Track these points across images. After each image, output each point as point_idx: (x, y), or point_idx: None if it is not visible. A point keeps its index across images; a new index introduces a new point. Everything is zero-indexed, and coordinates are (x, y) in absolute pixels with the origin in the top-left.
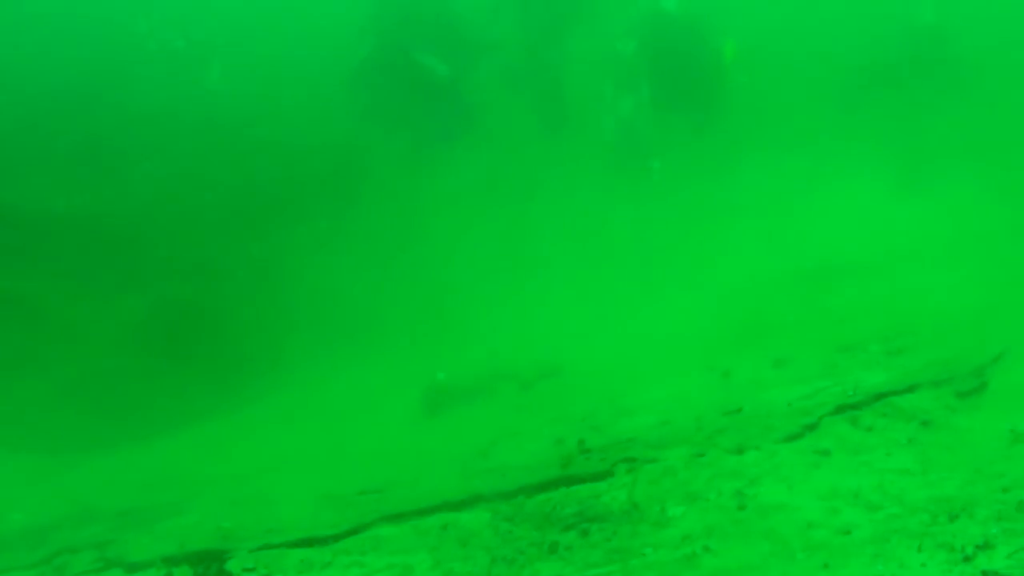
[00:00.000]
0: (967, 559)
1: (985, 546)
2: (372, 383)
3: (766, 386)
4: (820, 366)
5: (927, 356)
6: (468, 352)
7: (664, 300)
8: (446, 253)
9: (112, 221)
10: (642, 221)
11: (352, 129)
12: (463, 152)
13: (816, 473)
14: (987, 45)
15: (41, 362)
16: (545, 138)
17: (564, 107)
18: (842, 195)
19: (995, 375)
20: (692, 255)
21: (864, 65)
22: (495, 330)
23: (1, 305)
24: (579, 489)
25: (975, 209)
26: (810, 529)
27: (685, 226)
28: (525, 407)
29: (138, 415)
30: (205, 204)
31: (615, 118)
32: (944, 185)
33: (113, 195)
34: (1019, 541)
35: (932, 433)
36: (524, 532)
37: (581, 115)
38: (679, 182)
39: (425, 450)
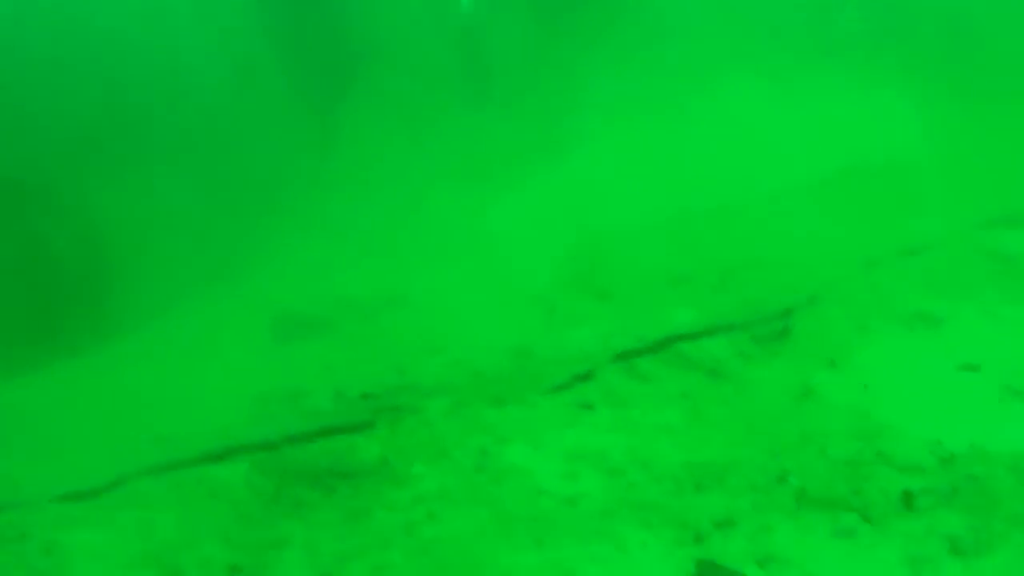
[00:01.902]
0: (698, 539)
1: (725, 523)
2: (216, 320)
3: (581, 323)
4: (642, 301)
5: (737, 298)
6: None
7: (503, 232)
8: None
9: None
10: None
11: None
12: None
13: (570, 431)
14: None
15: None
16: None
17: None
18: (677, 142)
19: (801, 321)
20: (530, 188)
21: None
22: (335, 261)
23: None
24: (338, 441)
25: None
26: (538, 497)
27: (525, 156)
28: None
29: None
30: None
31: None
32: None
33: None
34: (766, 518)
35: (714, 385)
36: (275, 487)
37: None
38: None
39: (222, 395)
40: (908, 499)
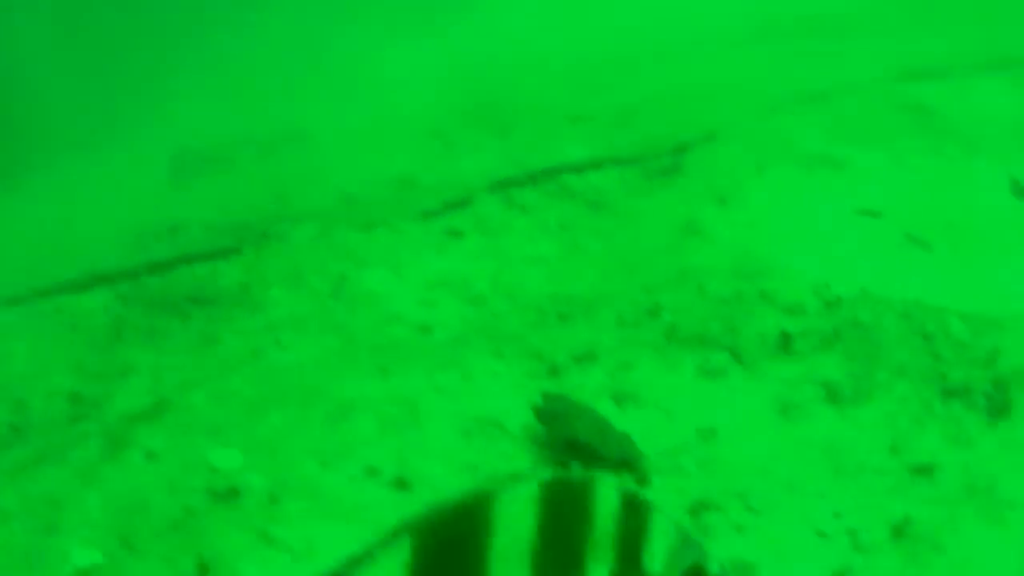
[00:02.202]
0: (553, 372)
1: (585, 357)
2: (117, 160)
3: (471, 155)
4: (538, 137)
5: (633, 136)
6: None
7: (405, 73)
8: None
9: None
10: None
11: None
12: None
13: (434, 258)
14: None
15: None
16: None
17: None
18: None
19: (695, 158)
20: (437, 33)
21: None
22: (235, 101)
23: None
24: (201, 268)
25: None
26: (391, 325)
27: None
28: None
29: None
30: None
31: None
32: None
33: None
34: (630, 353)
35: (596, 217)
36: (133, 316)
37: None
38: None
39: (104, 230)
40: (786, 341)
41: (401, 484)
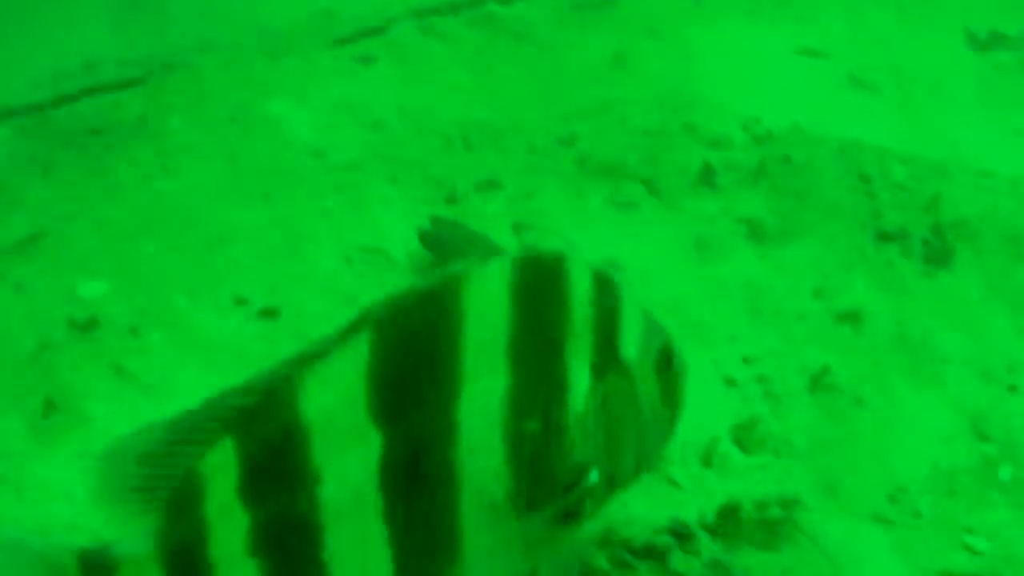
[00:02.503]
0: (451, 200)
1: (488, 185)
2: None
3: None
4: None
5: None
6: None
7: None
8: None
9: None
10: None
11: None
12: None
13: (341, 84)
14: None
15: None
16: None
17: None
18: None
19: None
20: None
21: None
22: None
23: None
24: (104, 99)
25: None
26: (285, 150)
27: None
28: None
29: None
30: None
31: None
32: None
33: None
34: (536, 182)
35: (518, 47)
36: (31, 149)
37: None
38: None
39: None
40: (708, 175)
41: (270, 314)
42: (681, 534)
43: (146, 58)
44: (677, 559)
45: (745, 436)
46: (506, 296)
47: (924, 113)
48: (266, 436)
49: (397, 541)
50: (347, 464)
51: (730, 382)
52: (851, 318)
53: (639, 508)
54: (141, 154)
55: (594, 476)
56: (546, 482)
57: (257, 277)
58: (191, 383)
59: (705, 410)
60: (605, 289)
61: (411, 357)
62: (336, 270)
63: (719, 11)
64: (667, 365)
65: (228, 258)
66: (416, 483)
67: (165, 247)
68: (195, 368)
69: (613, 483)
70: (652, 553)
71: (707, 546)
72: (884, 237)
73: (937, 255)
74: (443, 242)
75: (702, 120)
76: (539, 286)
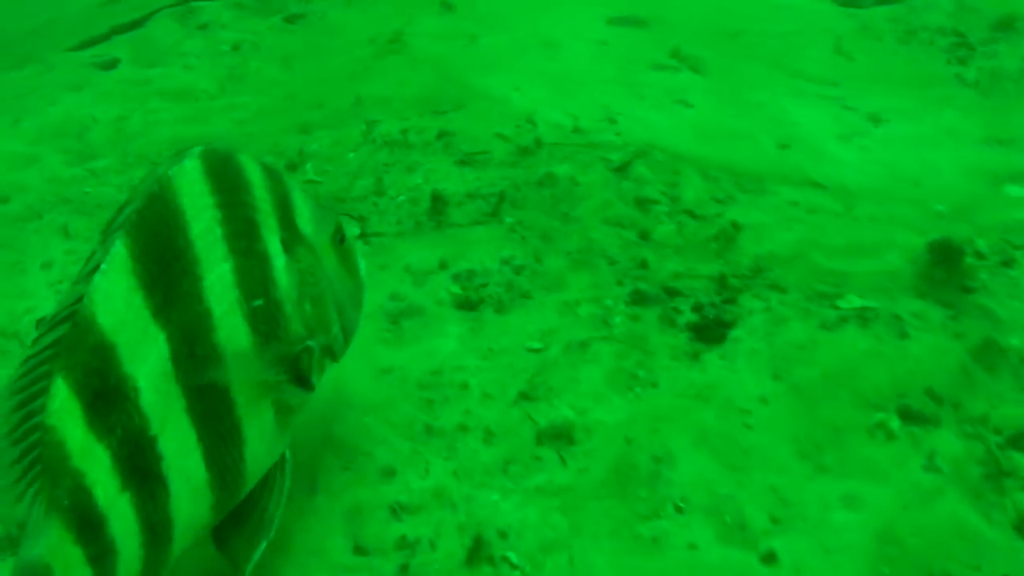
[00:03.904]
0: None
1: None
2: None
3: None
4: None
5: None
6: None
7: None
8: None
9: None
10: None
11: None
12: None
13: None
14: None
15: None
16: None
17: None
18: None
19: None
20: None
21: None
22: None
23: None
24: None
25: None
26: None
27: None
28: None
29: None
30: None
31: None
32: None
33: None
34: None
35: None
36: None
37: None
38: None
39: None
40: (438, 207)
41: None
42: None
43: None
44: None
45: None
46: (206, 188)
47: (753, 94)
48: (86, 362)
49: (201, 436)
50: (151, 368)
51: None
52: (561, 440)
53: None
54: None
55: (314, 344)
56: (281, 357)
57: None
58: None
59: None
60: (276, 177)
61: (162, 254)
62: None
63: None
64: (341, 239)
65: None
66: (199, 372)
67: None
68: None
69: (331, 352)
70: None
71: None
72: (642, 299)
73: (711, 325)
74: None
75: (462, 123)
76: (226, 177)
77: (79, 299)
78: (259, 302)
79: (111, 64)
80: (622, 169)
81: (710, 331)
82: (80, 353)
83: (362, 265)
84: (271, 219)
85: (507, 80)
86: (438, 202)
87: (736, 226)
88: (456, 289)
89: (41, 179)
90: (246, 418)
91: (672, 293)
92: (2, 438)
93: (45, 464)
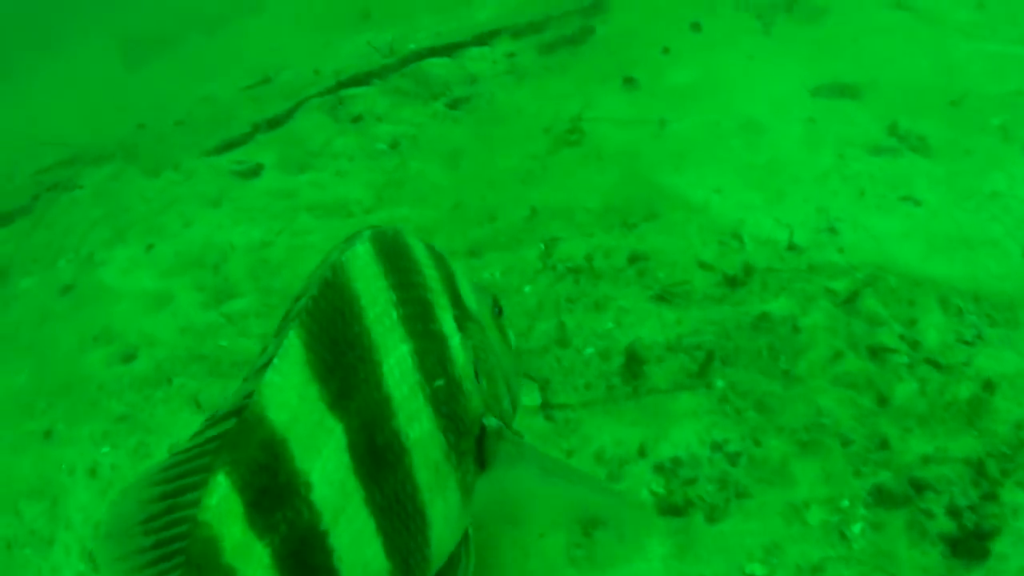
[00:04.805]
0: None
1: None
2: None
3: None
4: None
5: None
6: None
7: None
8: None
9: None
10: None
11: None
12: None
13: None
14: None
15: None
16: None
17: None
18: None
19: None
20: None
21: None
22: None
23: None
24: None
25: None
26: None
27: None
28: None
29: None
30: None
31: None
32: None
33: None
34: None
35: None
36: None
37: None
38: None
39: None
40: (633, 366)
41: None
42: None
43: None
44: None
45: None
46: (380, 270)
47: (987, 181)
48: (253, 458)
49: (381, 525)
50: (326, 461)
51: None
52: None
53: None
54: None
55: (494, 421)
56: (464, 435)
57: None
58: None
59: None
60: (438, 255)
61: (337, 343)
62: None
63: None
64: (499, 312)
65: None
66: (379, 461)
67: None
68: None
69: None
70: None
71: None
72: (885, 498)
73: (969, 537)
74: None
75: (655, 241)
76: (397, 258)
77: (249, 395)
78: (440, 382)
79: (254, 171)
80: (850, 301)
81: (968, 545)
82: (246, 449)
83: (512, 337)
84: (442, 298)
85: (705, 178)
86: (633, 360)
87: (989, 386)
88: (659, 488)
89: (173, 327)
90: (430, 501)
91: (920, 487)
92: (136, 524)
93: (190, 558)
